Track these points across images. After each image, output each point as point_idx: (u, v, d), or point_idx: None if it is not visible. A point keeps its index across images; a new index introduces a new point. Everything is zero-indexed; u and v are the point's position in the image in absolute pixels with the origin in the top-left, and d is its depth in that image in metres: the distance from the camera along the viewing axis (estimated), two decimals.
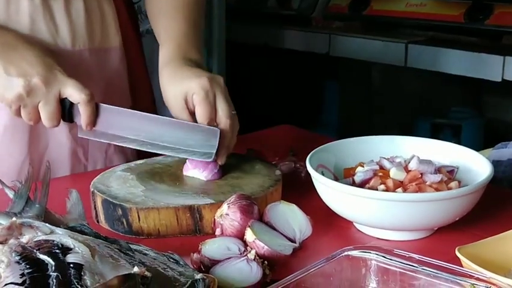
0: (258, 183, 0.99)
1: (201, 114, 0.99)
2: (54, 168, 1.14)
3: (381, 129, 1.36)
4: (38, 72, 0.98)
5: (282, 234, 0.85)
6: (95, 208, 0.96)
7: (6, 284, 0.61)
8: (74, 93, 0.99)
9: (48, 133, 1.15)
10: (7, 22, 1.09)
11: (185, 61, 1.06)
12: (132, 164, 1.07)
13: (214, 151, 0.98)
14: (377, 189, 0.89)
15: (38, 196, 0.82)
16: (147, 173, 1.03)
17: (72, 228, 0.75)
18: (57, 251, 0.66)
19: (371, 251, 0.73)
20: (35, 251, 0.66)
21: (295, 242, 0.85)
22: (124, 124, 1.01)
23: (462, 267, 0.70)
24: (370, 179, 0.92)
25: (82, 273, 0.62)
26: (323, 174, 0.92)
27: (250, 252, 0.78)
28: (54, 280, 0.61)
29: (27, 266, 0.63)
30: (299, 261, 0.82)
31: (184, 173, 1.03)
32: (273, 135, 1.42)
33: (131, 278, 0.60)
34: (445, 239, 0.89)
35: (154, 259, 0.72)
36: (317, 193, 0.93)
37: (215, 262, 0.77)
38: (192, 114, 1.01)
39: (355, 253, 0.73)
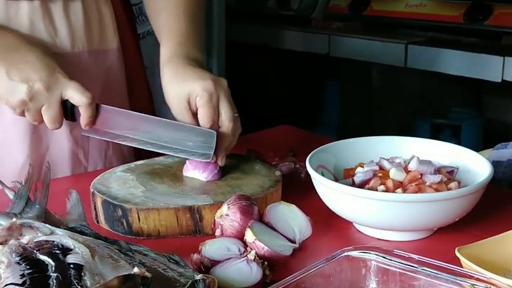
0: (258, 184, 0.99)
1: (204, 116, 0.99)
2: (55, 170, 1.15)
3: (381, 130, 1.37)
4: (40, 78, 0.99)
5: (282, 234, 0.85)
6: (95, 209, 0.96)
7: (6, 285, 0.61)
8: (75, 95, 1.00)
9: (49, 135, 1.15)
10: (7, 24, 1.09)
11: (188, 60, 1.05)
12: (132, 164, 1.07)
13: (212, 152, 0.99)
14: (376, 190, 0.89)
15: (38, 197, 0.82)
16: (147, 173, 1.03)
17: (72, 229, 0.75)
18: (57, 251, 0.66)
19: (371, 252, 0.73)
20: (35, 251, 0.66)
21: (295, 243, 0.85)
22: (124, 124, 1.02)
23: (462, 267, 0.70)
24: (370, 179, 0.92)
25: (82, 274, 0.63)
26: (323, 175, 0.92)
27: (250, 252, 0.78)
28: (54, 281, 0.61)
29: (28, 267, 0.63)
30: (299, 261, 0.83)
31: (184, 173, 1.03)
32: (273, 135, 1.42)
33: (132, 278, 0.60)
34: (445, 239, 0.89)
35: (154, 260, 0.72)
36: (317, 194, 0.93)
37: (215, 263, 0.77)
38: (194, 115, 1.01)
39: (355, 253, 0.73)
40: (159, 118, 1.02)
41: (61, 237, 0.69)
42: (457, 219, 0.88)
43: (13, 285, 0.61)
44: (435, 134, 2.51)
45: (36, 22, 1.11)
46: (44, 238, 0.70)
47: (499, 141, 1.36)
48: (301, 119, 2.30)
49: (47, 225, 0.74)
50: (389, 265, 0.72)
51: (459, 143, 1.03)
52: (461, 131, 2.52)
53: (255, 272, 0.75)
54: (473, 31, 2.28)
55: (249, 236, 0.82)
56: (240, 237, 0.83)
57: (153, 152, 1.03)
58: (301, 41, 2.69)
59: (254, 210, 0.87)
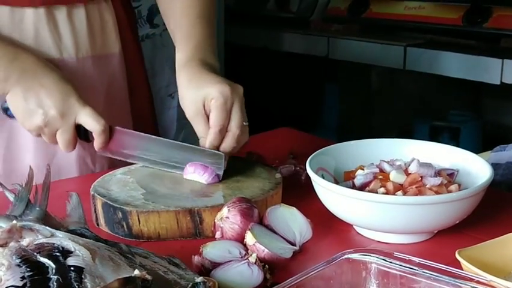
0: (258, 187, 0.99)
1: (215, 119, 1.00)
2: (62, 174, 1.16)
3: (380, 132, 1.37)
4: (54, 103, 1.03)
5: (282, 237, 0.85)
6: (95, 211, 0.96)
7: (7, 287, 0.61)
8: (89, 122, 1.04)
9: None
10: (12, 31, 1.10)
11: (204, 65, 1.07)
12: (132, 167, 1.07)
13: (221, 173, 1.01)
14: (377, 192, 0.89)
15: (39, 199, 0.82)
16: (147, 176, 1.03)
17: (72, 232, 0.75)
18: (57, 254, 0.66)
19: (371, 254, 0.73)
20: (35, 254, 0.66)
21: (295, 245, 0.85)
22: (136, 145, 1.06)
23: (462, 270, 0.71)
24: (370, 182, 0.92)
25: (83, 276, 0.62)
26: (323, 177, 0.92)
27: (251, 255, 0.78)
28: (55, 283, 0.61)
29: (28, 269, 0.63)
30: (299, 264, 0.82)
31: (184, 176, 1.03)
32: (273, 138, 1.42)
33: (132, 281, 0.60)
34: (445, 242, 0.89)
35: (155, 262, 0.72)
36: (317, 196, 0.93)
37: (216, 265, 0.77)
38: (208, 121, 1.02)
39: (355, 256, 0.73)
40: (169, 140, 1.06)
41: (62, 239, 0.69)
42: (457, 222, 0.88)
43: None
44: (434, 136, 2.51)
45: (41, 28, 1.12)
46: (45, 240, 0.69)
47: (497, 143, 1.36)
48: (301, 121, 2.30)
49: (47, 227, 0.74)
50: (389, 268, 0.72)
51: (458, 145, 1.03)
52: (460, 133, 2.52)
53: (256, 275, 0.75)
54: (472, 33, 2.28)
55: (249, 238, 0.81)
56: (240, 239, 0.83)
57: None
58: (300, 43, 2.69)
59: (254, 213, 0.87)
